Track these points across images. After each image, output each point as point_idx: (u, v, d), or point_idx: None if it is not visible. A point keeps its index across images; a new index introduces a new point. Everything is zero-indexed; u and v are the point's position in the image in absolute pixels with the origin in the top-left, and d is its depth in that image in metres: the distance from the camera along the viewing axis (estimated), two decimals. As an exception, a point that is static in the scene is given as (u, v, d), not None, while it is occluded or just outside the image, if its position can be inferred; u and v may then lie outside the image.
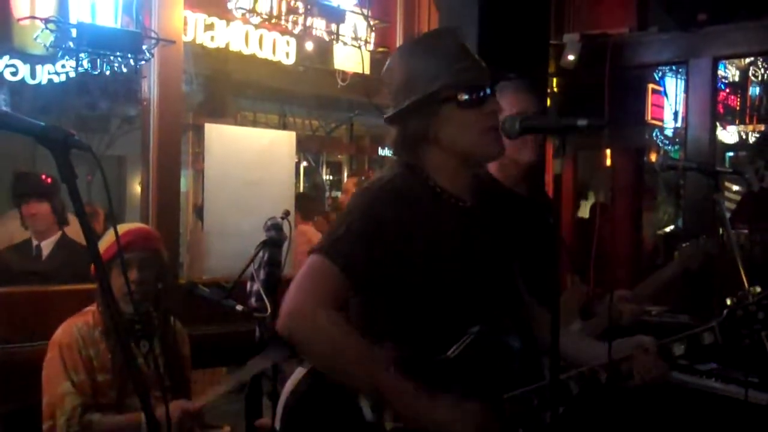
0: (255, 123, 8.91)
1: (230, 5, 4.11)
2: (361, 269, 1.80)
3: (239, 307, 2.81)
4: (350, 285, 1.81)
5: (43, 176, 4.12)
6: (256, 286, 2.94)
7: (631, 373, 2.00)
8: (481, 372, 1.85)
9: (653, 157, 7.87)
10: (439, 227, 1.89)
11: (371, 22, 4.48)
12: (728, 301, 2.11)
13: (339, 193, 10.18)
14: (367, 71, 4.52)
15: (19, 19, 3.28)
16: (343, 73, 4.53)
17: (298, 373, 1.89)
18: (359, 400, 1.81)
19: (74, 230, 4.03)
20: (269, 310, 2.83)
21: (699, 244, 3.20)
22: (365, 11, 4.45)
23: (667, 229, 8.16)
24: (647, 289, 3.24)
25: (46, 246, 3.99)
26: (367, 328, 1.80)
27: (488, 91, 1.91)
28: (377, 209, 1.84)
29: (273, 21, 4.22)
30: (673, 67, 7.23)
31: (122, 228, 2.81)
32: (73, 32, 3.22)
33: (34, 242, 4.00)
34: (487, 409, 1.81)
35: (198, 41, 4.04)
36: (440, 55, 1.89)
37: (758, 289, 2.15)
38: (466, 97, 1.88)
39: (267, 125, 8.75)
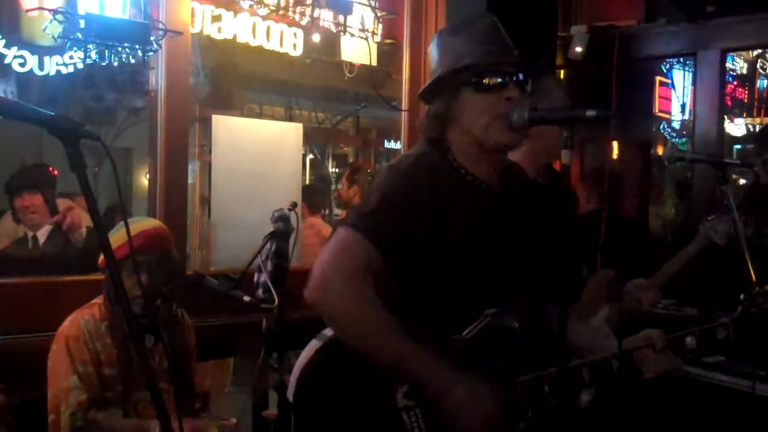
0: (261, 115, 8.92)
1: (237, -4, 4.10)
2: (390, 242, 1.80)
3: (246, 298, 2.81)
4: (379, 257, 1.79)
5: (33, 167, 4.10)
6: (264, 278, 2.95)
7: (640, 366, 2.00)
8: (494, 354, 1.86)
9: (660, 150, 7.86)
10: (460, 207, 1.89)
11: (378, 14, 4.47)
12: (741, 297, 2.10)
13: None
14: (374, 63, 4.51)
15: (27, 10, 3.28)
16: (350, 64, 4.52)
17: (313, 345, 1.89)
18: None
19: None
20: (276, 302, 2.84)
21: (725, 217, 3.12)
22: (372, 2, 4.44)
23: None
24: (666, 276, 3.20)
25: (42, 235, 4.00)
26: (385, 304, 1.79)
27: (518, 77, 1.89)
28: (405, 185, 1.84)
29: (280, 12, 4.20)
30: (681, 59, 7.22)
31: (132, 224, 2.74)
32: (81, 23, 3.21)
33: (30, 233, 4.01)
34: (498, 391, 1.81)
35: (205, 33, 4.02)
36: (468, 38, 1.90)
37: None
38: (481, 80, 1.87)
39: (273, 117, 8.75)
